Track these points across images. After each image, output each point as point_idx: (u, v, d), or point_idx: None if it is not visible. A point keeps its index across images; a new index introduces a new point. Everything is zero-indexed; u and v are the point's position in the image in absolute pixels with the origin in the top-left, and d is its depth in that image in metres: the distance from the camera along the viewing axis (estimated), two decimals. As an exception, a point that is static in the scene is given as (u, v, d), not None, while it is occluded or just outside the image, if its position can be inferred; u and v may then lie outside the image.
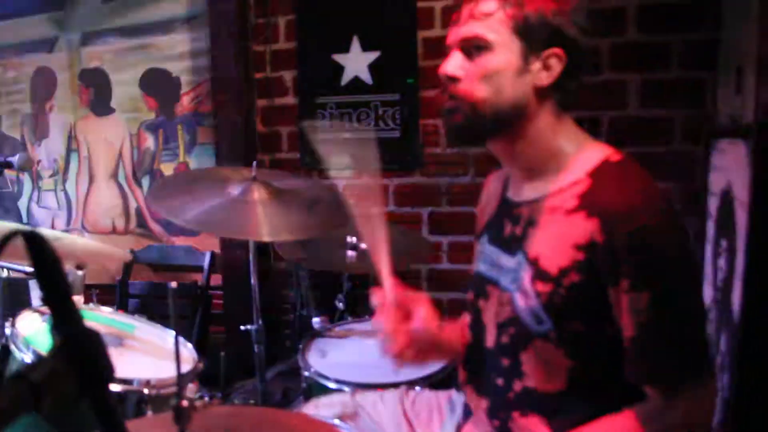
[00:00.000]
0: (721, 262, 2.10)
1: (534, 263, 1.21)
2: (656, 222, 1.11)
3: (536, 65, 1.21)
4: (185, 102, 3.40)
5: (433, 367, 1.93)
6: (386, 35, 3.08)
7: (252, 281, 2.18)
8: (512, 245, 1.29)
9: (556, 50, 1.20)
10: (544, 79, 1.21)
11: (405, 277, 3.11)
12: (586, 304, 1.16)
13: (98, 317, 1.86)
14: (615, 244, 1.11)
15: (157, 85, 3.43)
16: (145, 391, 1.54)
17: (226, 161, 3.30)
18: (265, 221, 2.03)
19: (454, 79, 1.23)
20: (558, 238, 1.18)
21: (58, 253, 0.61)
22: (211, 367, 3.17)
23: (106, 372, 0.67)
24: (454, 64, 1.23)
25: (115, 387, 1.52)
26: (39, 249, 0.61)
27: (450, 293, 3.20)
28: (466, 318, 1.50)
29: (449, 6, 2.97)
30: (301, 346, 2.15)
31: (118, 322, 1.89)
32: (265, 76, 3.32)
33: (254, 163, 2.17)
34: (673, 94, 2.67)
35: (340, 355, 2.11)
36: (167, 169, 3.48)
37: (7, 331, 1.58)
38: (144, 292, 3.37)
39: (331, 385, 1.91)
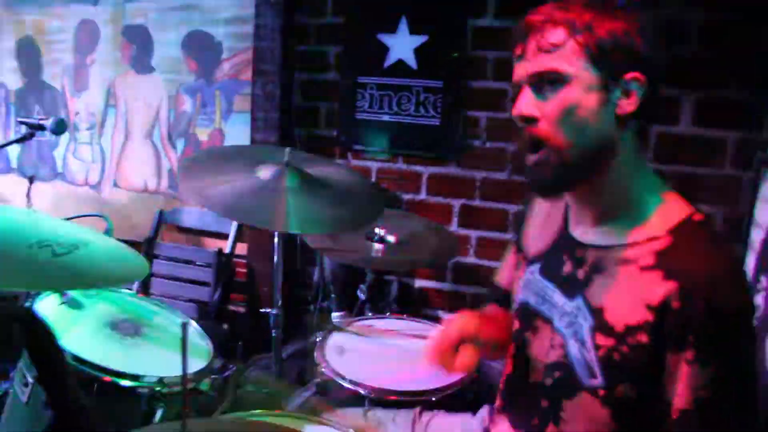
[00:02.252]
0: (760, 299, 2.02)
1: (597, 314, 1.15)
2: (735, 295, 1.06)
3: (616, 93, 1.11)
4: (226, 68, 3.35)
5: (449, 379, 1.90)
6: (436, 20, 2.98)
7: (275, 261, 2.16)
8: (571, 287, 1.22)
9: (636, 74, 1.10)
10: (626, 106, 1.11)
11: (431, 267, 3.12)
12: (645, 367, 1.09)
13: (118, 302, 1.85)
14: (690, 312, 1.04)
15: (199, 48, 3.39)
16: (157, 388, 1.53)
17: (261, 133, 3.26)
18: (294, 212, 1.99)
19: (530, 120, 1.14)
20: (628, 294, 1.11)
21: (53, 335, 0.58)
22: (230, 336, 3.22)
23: None
24: (527, 102, 1.13)
25: (124, 382, 1.50)
26: (33, 331, 0.58)
27: (474, 287, 3.16)
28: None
29: (504, -5, 2.87)
30: (318, 339, 2.13)
31: (138, 307, 1.87)
32: (308, 49, 3.26)
33: (287, 149, 2.13)
34: (728, 115, 2.55)
35: (358, 355, 2.08)
36: (202, 133, 3.45)
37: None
38: (169, 253, 3.39)
39: (346, 385, 1.89)
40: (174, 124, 3.50)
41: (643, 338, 1.08)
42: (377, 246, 2.41)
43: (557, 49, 1.10)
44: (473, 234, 3.10)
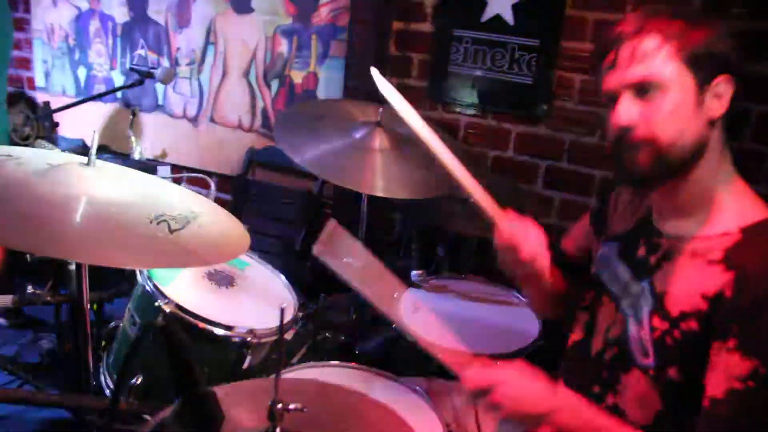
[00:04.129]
0: None
1: (659, 297, 1.21)
2: None
3: (708, 96, 1.15)
4: (323, 13, 3.38)
5: (514, 345, 1.96)
6: (537, -25, 2.91)
7: (361, 219, 2.25)
8: (641, 271, 1.28)
9: (725, 77, 1.14)
10: (717, 109, 1.16)
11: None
12: (692, 353, 1.15)
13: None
14: (741, 301, 1.08)
15: (298, -10, 3.42)
16: (248, 338, 1.66)
17: (355, 80, 3.31)
18: (382, 175, 2.05)
19: (628, 129, 1.18)
20: (690, 283, 1.17)
21: (187, 341, 0.67)
22: (312, 274, 3.37)
23: (218, 422, 0.74)
24: (627, 111, 1.17)
25: (219, 331, 1.64)
26: (171, 337, 0.67)
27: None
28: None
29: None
30: (395, 295, 2.22)
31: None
32: (405, -2, 3.25)
33: (380, 109, 2.17)
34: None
35: (431, 313, 2.16)
36: (297, 76, 3.52)
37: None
38: (259, 190, 3.54)
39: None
40: (270, 64, 3.58)
41: (694, 325, 1.14)
42: (457, 206, 2.46)
43: (654, 57, 1.14)
44: (557, 196, 3.09)
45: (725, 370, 1.09)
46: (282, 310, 0.89)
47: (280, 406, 0.99)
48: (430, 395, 1.71)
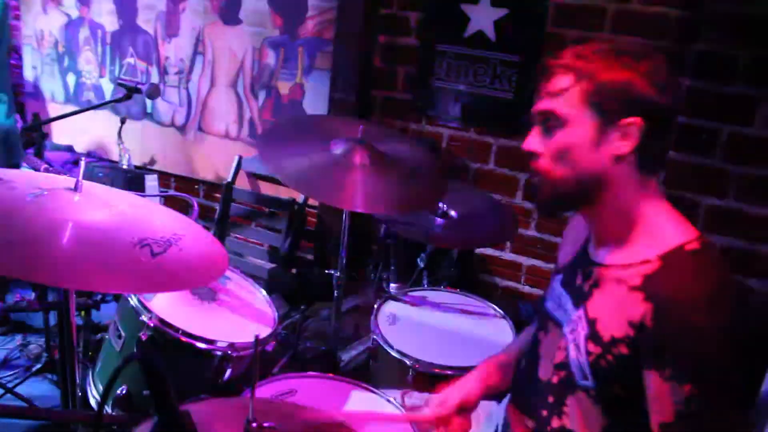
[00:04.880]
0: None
1: (591, 324, 1.27)
2: (709, 325, 1.12)
3: (614, 135, 1.21)
4: (309, 26, 3.45)
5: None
6: (518, -7, 2.99)
7: (343, 231, 2.31)
8: (578, 298, 1.34)
9: (633, 119, 1.19)
10: (623, 147, 1.21)
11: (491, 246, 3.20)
12: (628, 375, 1.21)
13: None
14: (663, 333, 1.14)
15: (286, 4, 3.48)
16: (228, 351, 1.72)
17: (340, 92, 3.37)
18: (362, 191, 2.11)
19: (533, 155, 1.28)
20: (616, 309, 1.22)
21: (164, 373, 0.73)
22: (297, 282, 3.43)
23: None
24: (532, 140, 1.28)
25: (200, 345, 1.70)
26: (151, 367, 0.74)
27: (531, 259, 3.26)
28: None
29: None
30: (375, 306, 2.29)
31: (215, 272, 2.07)
32: (391, 13, 3.32)
33: (361, 126, 2.24)
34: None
35: (409, 325, 2.23)
36: (283, 87, 3.58)
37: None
38: (246, 199, 3.60)
39: (393, 354, 2.04)
40: (257, 75, 3.64)
41: (624, 350, 1.20)
42: (439, 221, 2.52)
43: (562, 94, 1.22)
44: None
45: (669, 397, 1.14)
46: (256, 338, 0.95)
47: (255, 424, 1.06)
48: (405, 408, 1.77)
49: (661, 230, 1.25)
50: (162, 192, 3.39)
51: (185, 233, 1.31)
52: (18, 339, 2.97)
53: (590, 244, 1.39)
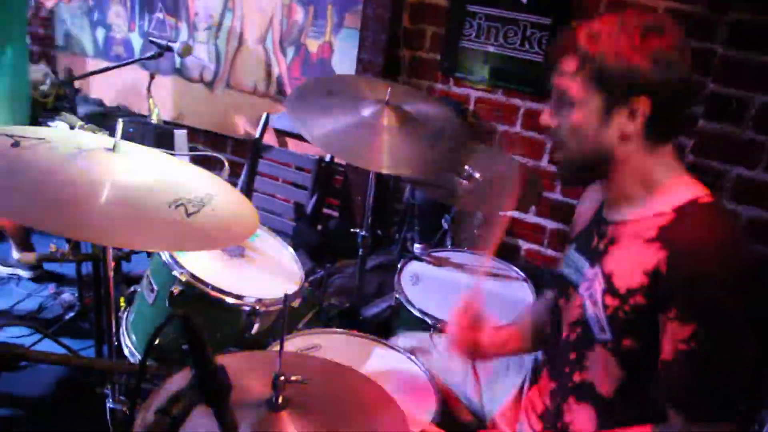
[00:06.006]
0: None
1: (608, 278, 1.32)
2: (720, 270, 1.17)
3: (621, 114, 1.26)
4: (339, -17, 3.43)
5: (511, 317, 2.07)
6: (552, -47, 2.94)
7: (368, 192, 2.34)
8: (594, 257, 1.40)
9: (641, 98, 1.24)
10: (630, 126, 1.27)
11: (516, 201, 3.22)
12: (643, 325, 1.26)
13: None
14: (675, 275, 1.19)
15: (316, -39, 3.46)
16: (256, 307, 1.78)
17: (368, 53, 3.37)
18: (389, 152, 2.13)
19: (550, 129, 1.36)
20: (632, 261, 1.28)
21: (201, 330, 0.78)
22: (322, 239, 3.48)
23: (226, 395, 0.86)
24: (548, 113, 1.36)
25: (230, 300, 1.76)
26: (189, 328, 0.78)
27: (555, 222, 3.27)
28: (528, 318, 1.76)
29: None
30: (399, 265, 2.34)
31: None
32: (421, -28, 3.29)
33: (389, 88, 2.25)
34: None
35: (431, 285, 2.27)
36: (312, 44, 3.58)
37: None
38: (273, 155, 3.63)
39: (415, 313, 2.10)
40: (286, 32, 3.64)
41: (641, 299, 1.25)
42: (464, 182, 2.54)
43: (571, 75, 1.28)
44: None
45: (671, 336, 1.21)
46: (285, 296, 0.99)
47: (282, 378, 1.11)
48: (430, 352, 1.84)
49: (675, 187, 1.30)
50: (193, 150, 3.43)
51: (217, 193, 1.35)
52: (51, 287, 3.07)
53: (604, 208, 1.44)
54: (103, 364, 1.42)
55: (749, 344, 1.19)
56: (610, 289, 1.31)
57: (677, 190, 1.29)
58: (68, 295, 3.02)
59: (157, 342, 1.76)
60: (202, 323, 0.83)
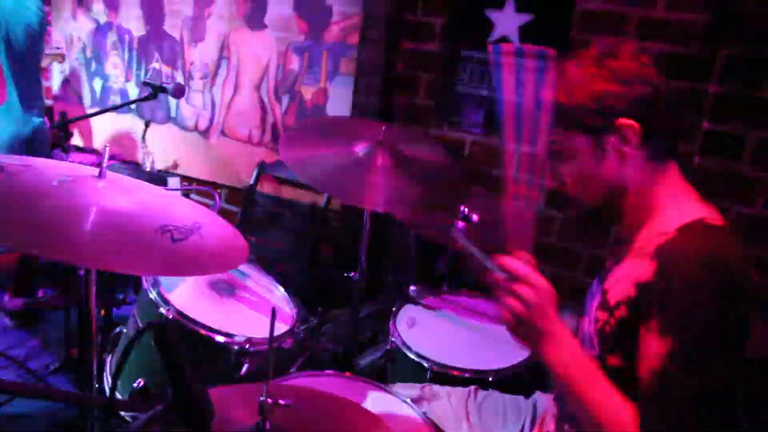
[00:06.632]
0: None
1: (604, 293, 1.29)
2: (709, 286, 1.11)
3: (613, 143, 1.24)
4: (334, 31, 3.46)
5: (508, 361, 2.01)
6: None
7: (363, 234, 2.31)
8: (602, 277, 1.38)
9: (622, 121, 1.22)
10: (626, 148, 1.24)
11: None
12: (626, 340, 1.20)
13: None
14: (662, 286, 1.14)
15: (311, 9, 3.50)
16: (246, 346, 1.72)
17: (363, 97, 3.38)
18: (383, 192, 2.11)
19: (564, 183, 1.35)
20: (627, 275, 1.25)
21: (178, 342, 0.73)
22: (316, 286, 3.42)
23: (207, 418, 0.80)
24: (555, 176, 1.37)
25: (219, 338, 1.71)
26: (164, 339, 0.73)
27: (553, 268, 3.22)
28: None
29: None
30: (394, 308, 2.28)
31: (234, 269, 2.07)
32: (414, 19, 3.32)
33: (383, 128, 2.24)
34: None
35: (428, 328, 2.21)
36: (307, 92, 3.60)
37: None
38: (267, 203, 3.61)
39: (412, 356, 2.03)
40: (281, 80, 3.66)
41: (624, 312, 1.21)
42: (460, 224, 2.50)
43: (551, 132, 1.29)
44: (558, 216, 3.14)
45: (646, 350, 1.15)
46: (273, 309, 0.95)
47: (270, 401, 1.05)
48: (424, 401, 1.76)
49: (682, 209, 1.26)
50: (185, 186, 3.42)
51: (207, 223, 1.31)
52: (39, 335, 3.01)
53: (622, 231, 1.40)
54: (76, 398, 1.36)
55: (726, 370, 1.12)
56: (602, 303, 1.28)
57: (684, 211, 1.26)
58: (54, 347, 2.95)
59: (142, 385, 1.71)
60: (190, 362, 0.78)
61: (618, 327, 1.22)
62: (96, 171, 1.31)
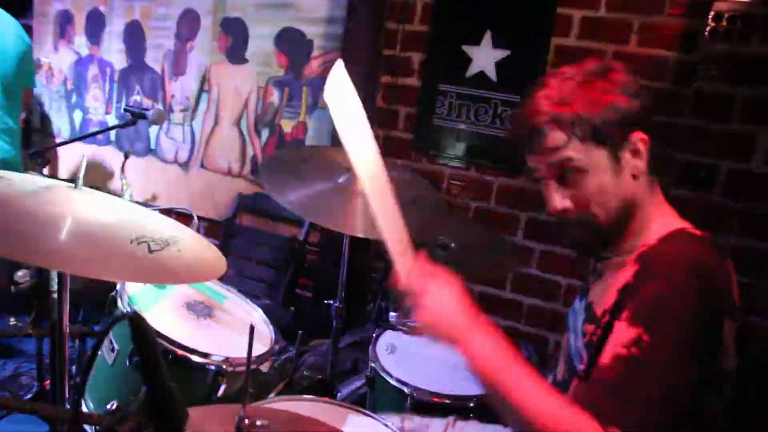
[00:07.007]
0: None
1: (588, 306, 1.30)
2: (690, 284, 1.11)
3: (626, 157, 1.24)
4: (314, 65, 3.51)
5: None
6: (520, 36, 3.05)
7: (342, 261, 2.30)
8: (584, 293, 1.39)
9: (636, 134, 1.23)
10: (639, 163, 1.25)
11: (490, 275, 3.21)
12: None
13: (195, 284, 2.03)
14: (638, 284, 1.15)
15: (291, 44, 3.55)
16: (223, 366, 1.70)
17: (342, 130, 3.41)
18: (363, 216, 2.11)
19: (564, 211, 1.28)
20: (610, 285, 1.25)
21: (152, 333, 0.72)
22: (295, 319, 3.40)
23: (180, 420, 0.79)
24: (558, 200, 1.27)
25: (195, 358, 1.68)
26: (139, 329, 0.72)
27: (531, 298, 3.23)
28: None
29: (589, 17, 2.91)
30: (374, 335, 2.27)
31: (212, 290, 2.05)
32: (393, 54, 3.38)
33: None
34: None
35: (408, 355, 2.20)
36: (287, 125, 3.63)
37: (117, 286, 1.77)
38: (246, 235, 3.60)
39: (392, 382, 2.01)
40: (261, 114, 3.69)
41: (608, 318, 1.19)
42: (440, 252, 2.51)
43: (565, 147, 1.22)
44: (537, 246, 3.16)
45: (614, 339, 1.13)
46: (252, 326, 0.94)
47: (247, 421, 1.03)
48: (404, 432, 1.73)
49: (664, 222, 1.27)
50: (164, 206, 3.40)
51: (184, 238, 1.31)
52: (10, 366, 2.94)
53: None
54: (44, 409, 1.32)
55: (690, 366, 1.11)
56: (588, 316, 1.28)
57: (668, 223, 1.27)
58: (26, 378, 2.88)
59: (116, 406, 1.67)
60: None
61: (603, 334, 1.19)
62: (71, 183, 1.30)
